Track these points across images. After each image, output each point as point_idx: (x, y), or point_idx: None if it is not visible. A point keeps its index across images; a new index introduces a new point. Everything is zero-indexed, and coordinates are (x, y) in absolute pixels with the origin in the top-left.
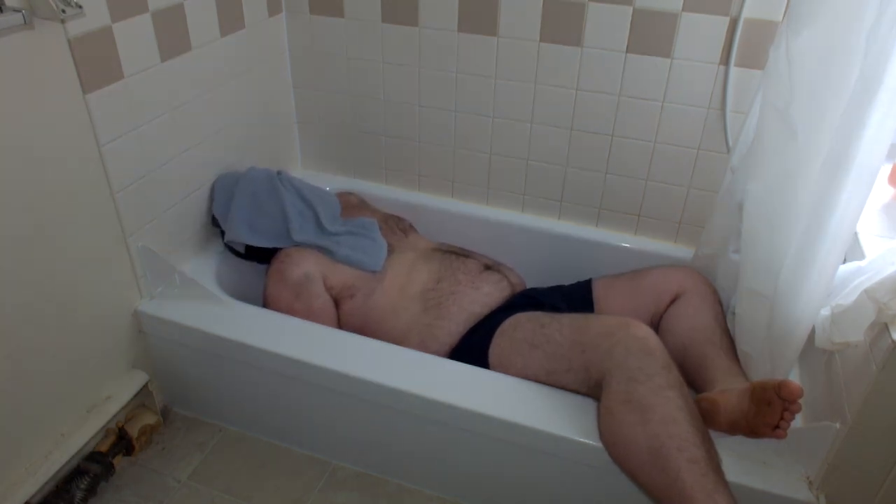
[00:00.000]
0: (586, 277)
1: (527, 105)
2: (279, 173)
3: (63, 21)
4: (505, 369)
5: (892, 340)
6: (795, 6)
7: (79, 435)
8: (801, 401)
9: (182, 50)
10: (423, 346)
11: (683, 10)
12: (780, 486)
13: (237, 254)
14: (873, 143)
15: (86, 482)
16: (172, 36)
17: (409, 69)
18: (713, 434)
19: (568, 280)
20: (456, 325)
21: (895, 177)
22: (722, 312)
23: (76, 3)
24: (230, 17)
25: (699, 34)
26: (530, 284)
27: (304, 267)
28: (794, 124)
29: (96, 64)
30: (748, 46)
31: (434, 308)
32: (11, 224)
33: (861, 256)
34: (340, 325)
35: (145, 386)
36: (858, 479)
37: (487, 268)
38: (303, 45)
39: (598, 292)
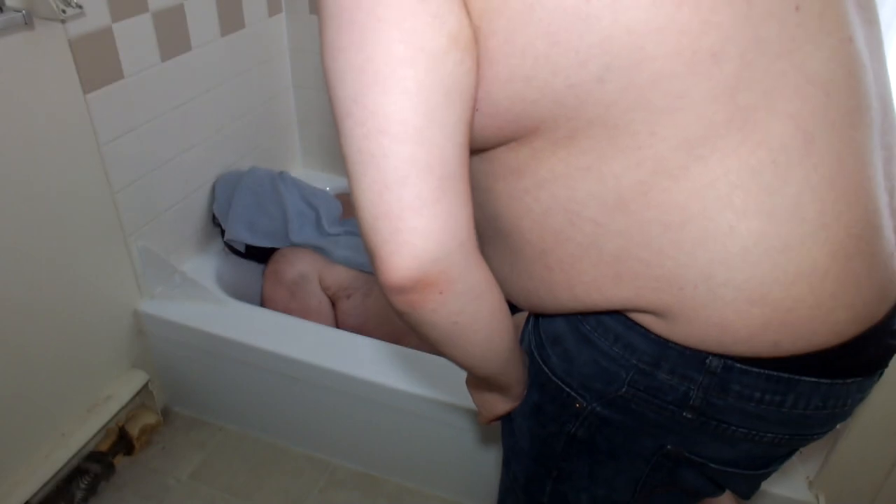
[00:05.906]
0: None
1: None
2: (281, 174)
3: (63, 21)
4: None
5: None
6: None
7: (79, 435)
8: None
9: (182, 50)
10: (421, 346)
11: None
12: (780, 486)
13: (237, 253)
14: None
15: (86, 482)
16: (172, 36)
17: None
18: None
19: None
20: None
21: None
22: None
23: (76, 3)
24: (230, 17)
25: None
26: None
27: (299, 267)
28: None
29: (96, 64)
30: None
31: None
32: (11, 224)
33: None
34: (337, 324)
35: (145, 386)
36: (858, 479)
37: None
38: (303, 45)
39: None
